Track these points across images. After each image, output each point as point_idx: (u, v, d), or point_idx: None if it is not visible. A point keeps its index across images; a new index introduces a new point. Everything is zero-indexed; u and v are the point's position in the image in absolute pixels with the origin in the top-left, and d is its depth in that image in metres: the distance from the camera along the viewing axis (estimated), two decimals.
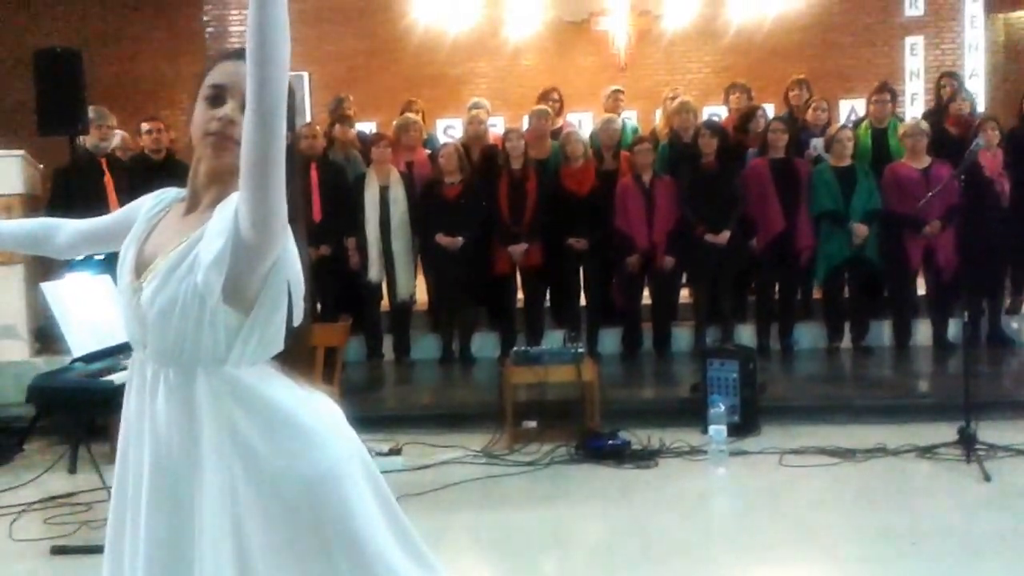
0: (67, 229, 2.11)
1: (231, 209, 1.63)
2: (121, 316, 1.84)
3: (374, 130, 8.59)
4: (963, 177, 5.33)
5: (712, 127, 7.08)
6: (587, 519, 4.36)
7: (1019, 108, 7.33)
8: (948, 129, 7.17)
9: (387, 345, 7.20)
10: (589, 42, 10.58)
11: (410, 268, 6.99)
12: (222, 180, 1.74)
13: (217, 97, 1.72)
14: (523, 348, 5.78)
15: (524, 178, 6.85)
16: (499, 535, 4.12)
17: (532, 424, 5.51)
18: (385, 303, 7.17)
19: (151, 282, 1.70)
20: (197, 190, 1.79)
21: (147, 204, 1.90)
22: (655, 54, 10.57)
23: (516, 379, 5.52)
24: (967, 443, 4.75)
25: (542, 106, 7.56)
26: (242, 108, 1.60)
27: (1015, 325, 7.30)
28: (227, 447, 1.70)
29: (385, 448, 5.14)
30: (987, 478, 4.47)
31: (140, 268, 1.76)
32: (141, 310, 1.72)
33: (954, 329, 6.87)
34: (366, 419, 5.50)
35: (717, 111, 8.66)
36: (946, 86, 7.75)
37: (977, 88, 9.99)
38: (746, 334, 7.10)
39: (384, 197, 6.82)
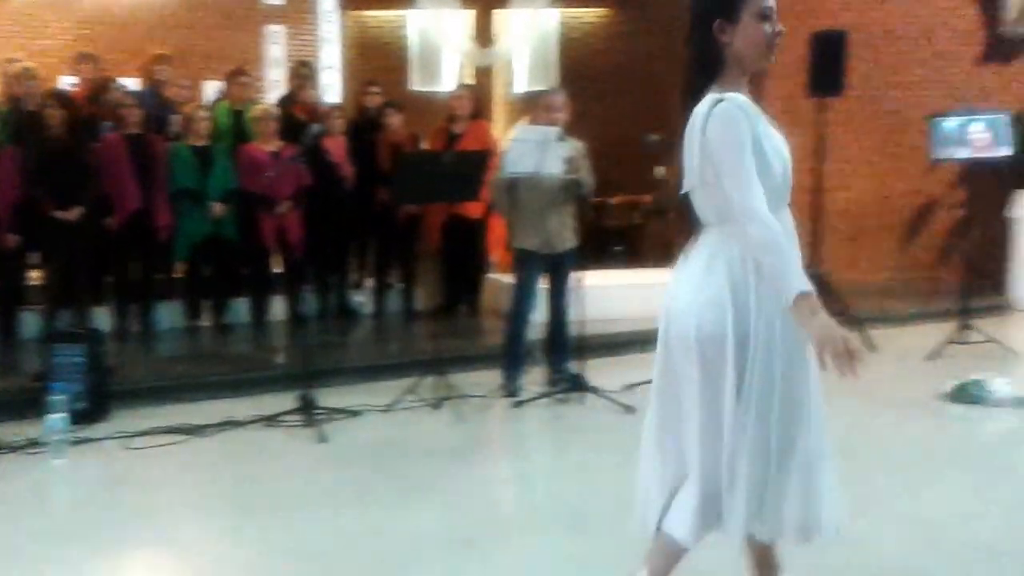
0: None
1: None
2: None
3: None
4: (305, 160, 5.70)
5: (59, 96, 6.66)
6: None
7: (360, 100, 8.07)
8: (297, 115, 7.57)
9: None
10: None
11: None
12: None
13: (772, 15, 2.34)
14: None
15: None
16: None
17: None
18: None
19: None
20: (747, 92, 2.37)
21: (751, 114, 2.31)
22: (5, 17, 9.56)
23: None
24: (307, 409, 5.11)
25: None
26: None
27: (360, 298, 8.04)
28: None
29: None
30: (323, 439, 4.86)
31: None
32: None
33: (308, 304, 7.34)
34: None
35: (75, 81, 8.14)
36: (299, 74, 8.17)
37: (333, 80, 10.76)
38: (105, 317, 6.82)
39: None
